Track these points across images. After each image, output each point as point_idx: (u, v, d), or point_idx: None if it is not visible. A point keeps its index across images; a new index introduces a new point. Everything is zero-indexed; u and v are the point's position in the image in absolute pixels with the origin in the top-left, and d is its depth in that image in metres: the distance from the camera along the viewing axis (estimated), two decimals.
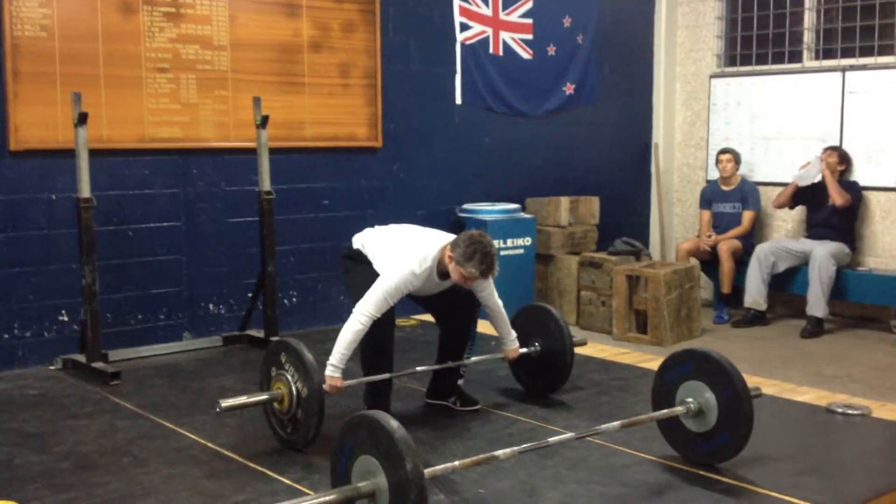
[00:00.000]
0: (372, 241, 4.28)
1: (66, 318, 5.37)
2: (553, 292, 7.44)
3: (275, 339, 4.49)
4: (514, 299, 6.89)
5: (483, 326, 4.74)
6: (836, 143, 7.27)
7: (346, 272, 4.39)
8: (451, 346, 4.42)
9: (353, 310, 3.93)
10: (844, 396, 4.75)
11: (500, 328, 4.40)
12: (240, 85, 5.88)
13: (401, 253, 4.03)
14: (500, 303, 4.33)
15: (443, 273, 4.02)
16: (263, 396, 3.91)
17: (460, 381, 4.48)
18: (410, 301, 4.26)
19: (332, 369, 3.87)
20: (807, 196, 7.26)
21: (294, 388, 3.80)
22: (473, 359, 4.51)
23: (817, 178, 7.10)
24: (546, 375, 4.58)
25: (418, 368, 4.42)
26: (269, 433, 4.04)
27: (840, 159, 7.11)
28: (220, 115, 5.85)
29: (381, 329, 3.99)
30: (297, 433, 3.83)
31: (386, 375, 4.15)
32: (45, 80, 5.19)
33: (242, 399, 3.88)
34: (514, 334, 4.44)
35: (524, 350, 4.53)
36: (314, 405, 3.73)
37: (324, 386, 3.78)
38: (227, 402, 3.75)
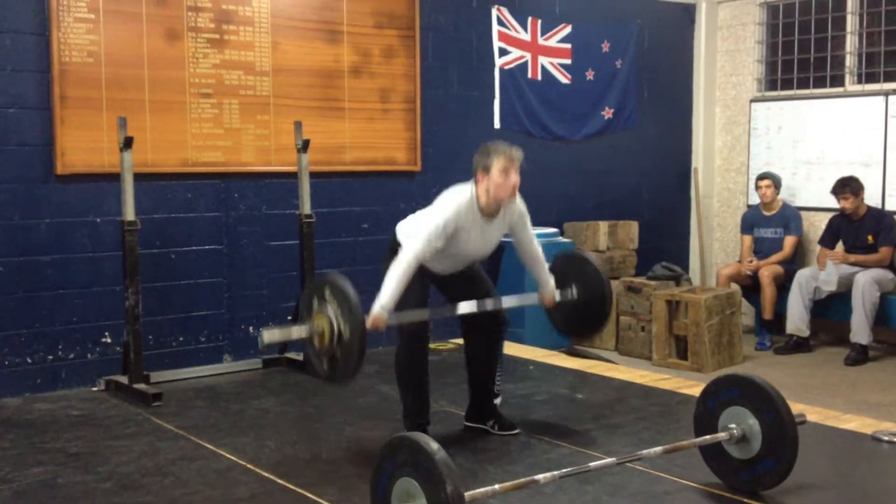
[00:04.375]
0: (411, 219, 4.24)
1: (109, 340, 5.43)
2: None
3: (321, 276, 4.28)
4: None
5: (510, 349, 4.71)
6: (853, 176, 7.14)
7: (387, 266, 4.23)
8: (480, 369, 4.40)
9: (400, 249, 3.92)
10: (890, 424, 4.65)
11: (539, 273, 4.34)
12: (281, 110, 5.95)
13: (441, 203, 4.02)
14: (539, 248, 4.31)
15: (484, 209, 3.99)
16: (304, 333, 3.80)
17: (497, 401, 4.45)
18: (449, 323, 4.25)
19: (380, 308, 3.77)
20: (843, 237, 7.17)
21: (335, 325, 3.68)
22: (511, 301, 4.40)
23: (837, 276, 6.98)
24: (582, 321, 4.51)
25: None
26: (309, 455, 4.05)
27: (853, 193, 6.99)
28: (262, 140, 5.92)
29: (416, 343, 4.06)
30: (334, 371, 3.76)
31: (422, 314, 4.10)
32: (91, 105, 5.29)
33: (284, 333, 3.83)
34: (552, 281, 4.36)
35: (562, 296, 4.41)
36: (354, 345, 3.64)
37: (367, 323, 3.68)
38: (268, 337, 3.71)
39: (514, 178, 3.95)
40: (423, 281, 4.14)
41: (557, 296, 4.40)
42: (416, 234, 3.94)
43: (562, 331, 4.66)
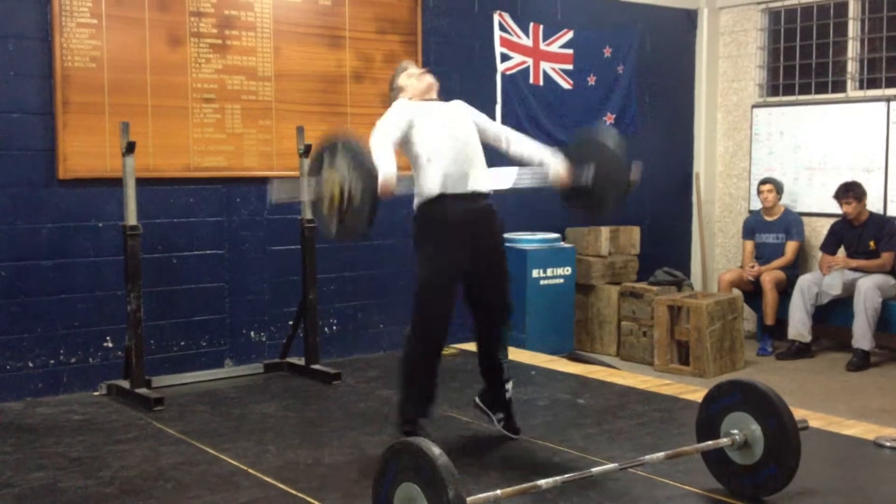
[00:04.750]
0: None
1: (110, 345, 5.44)
2: (593, 322, 7.40)
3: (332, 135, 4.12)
4: (554, 329, 6.91)
5: (511, 354, 4.62)
6: (855, 181, 7.14)
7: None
8: (486, 342, 4.34)
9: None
10: (892, 430, 4.64)
11: (534, 154, 4.30)
12: (283, 115, 5.96)
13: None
14: (516, 134, 4.34)
15: (418, 97, 4.23)
16: (314, 193, 3.77)
17: (509, 394, 4.36)
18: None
19: (384, 175, 3.69)
20: (846, 242, 7.18)
21: (347, 185, 3.64)
22: (522, 181, 4.28)
23: (842, 280, 6.97)
24: (599, 198, 4.31)
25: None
26: (311, 459, 4.05)
27: (856, 198, 7.00)
28: (264, 145, 5.92)
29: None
30: (342, 233, 3.74)
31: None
32: (93, 110, 5.29)
33: (294, 193, 3.77)
34: (546, 151, 4.30)
35: (576, 178, 4.26)
36: (365, 210, 3.61)
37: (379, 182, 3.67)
38: (277, 196, 3.66)
39: (428, 77, 4.28)
40: (454, 273, 4.10)
41: (568, 173, 4.24)
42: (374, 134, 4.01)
43: (576, 211, 4.48)
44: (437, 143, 4.08)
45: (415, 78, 4.30)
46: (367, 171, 3.63)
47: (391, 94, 4.34)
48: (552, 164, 4.25)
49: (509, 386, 4.38)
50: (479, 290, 4.24)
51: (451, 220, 4.05)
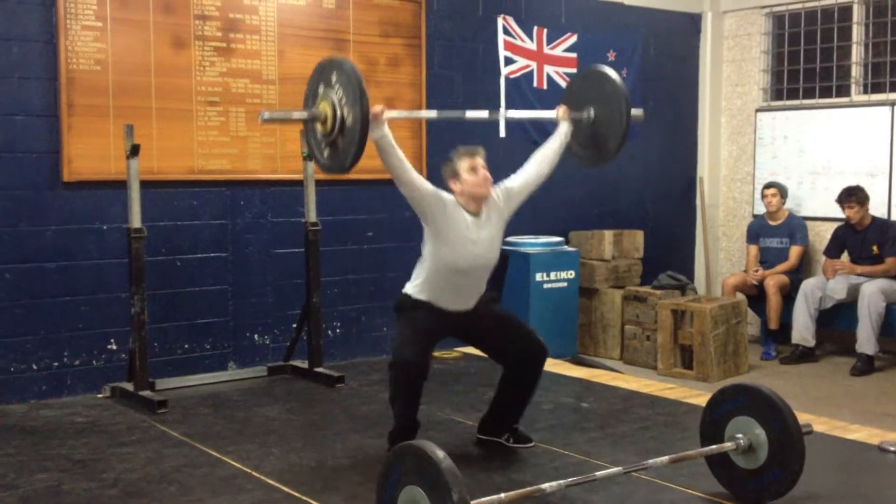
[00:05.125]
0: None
1: (114, 347, 5.44)
2: (596, 326, 7.39)
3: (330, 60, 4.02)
4: (557, 332, 6.90)
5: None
6: (859, 186, 7.11)
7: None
8: (516, 394, 4.25)
9: None
10: None
11: (549, 142, 4.38)
12: None
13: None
14: (534, 156, 4.33)
15: (467, 208, 4.02)
16: (305, 115, 3.77)
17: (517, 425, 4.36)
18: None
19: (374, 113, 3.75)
20: (849, 247, 7.17)
21: (339, 112, 3.64)
22: (525, 113, 4.43)
23: (847, 283, 6.96)
24: (600, 143, 4.35)
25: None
26: (314, 462, 4.05)
27: (859, 202, 6.99)
28: (268, 148, 5.93)
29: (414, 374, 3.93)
30: (333, 160, 3.73)
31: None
32: (98, 113, 5.30)
33: (284, 113, 3.80)
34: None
35: (577, 115, 4.34)
36: (356, 134, 3.59)
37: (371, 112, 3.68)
38: (269, 114, 3.70)
39: (483, 171, 4.00)
40: (434, 323, 4.06)
41: (569, 118, 4.37)
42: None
43: (580, 157, 4.47)
44: (460, 251, 4.00)
45: (471, 171, 3.99)
46: (360, 94, 3.60)
47: (443, 171, 4.11)
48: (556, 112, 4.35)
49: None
50: (492, 344, 4.23)
51: (431, 314, 4.07)
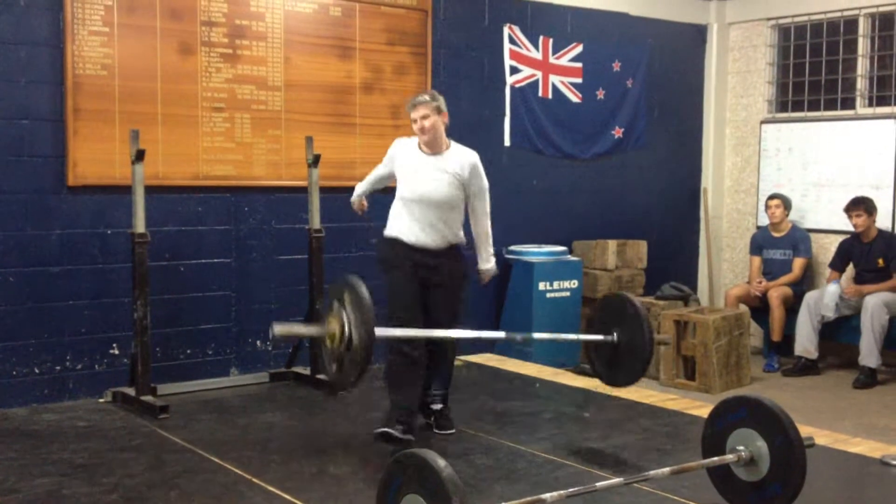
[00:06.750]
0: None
1: (116, 352, 5.44)
2: None
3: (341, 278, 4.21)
4: (560, 342, 6.89)
5: (517, 366, 4.65)
6: (867, 196, 7.13)
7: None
8: (429, 368, 4.61)
9: None
10: None
11: (480, 247, 4.76)
12: (293, 125, 5.97)
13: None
14: (487, 225, 4.69)
15: (422, 147, 4.58)
16: (314, 331, 3.89)
17: (436, 406, 4.66)
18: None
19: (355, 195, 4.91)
20: (854, 259, 7.16)
21: (347, 331, 3.72)
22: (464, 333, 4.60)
23: (836, 301, 6.96)
24: (624, 366, 4.43)
25: None
26: (315, 469, 4.04)
27: (867, 211, 6.99)
28: (273, 154, 5.94)
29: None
30: (340, 375, 3.81)
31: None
32: (104, 118, 5.32)
33: (295, 328, 3.87)
34: (488, 254, 4.72)
35: (600, 337, 4.44)
36: (360, 355, 3.68)
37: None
38: (279, 329, 3.76)
39: (419, 124, 4.49)
40: (413, 282, 4.51)
41: (489, 270, 4.77)
42: None
43: (602, 378, 4.59)
44: (410, 186, 4.57)
45: (413, 121, 4.56)
46: (366, 323, 3.71)
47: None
48: (481, 262, 4.77)
49: (437, 406, 4.68)
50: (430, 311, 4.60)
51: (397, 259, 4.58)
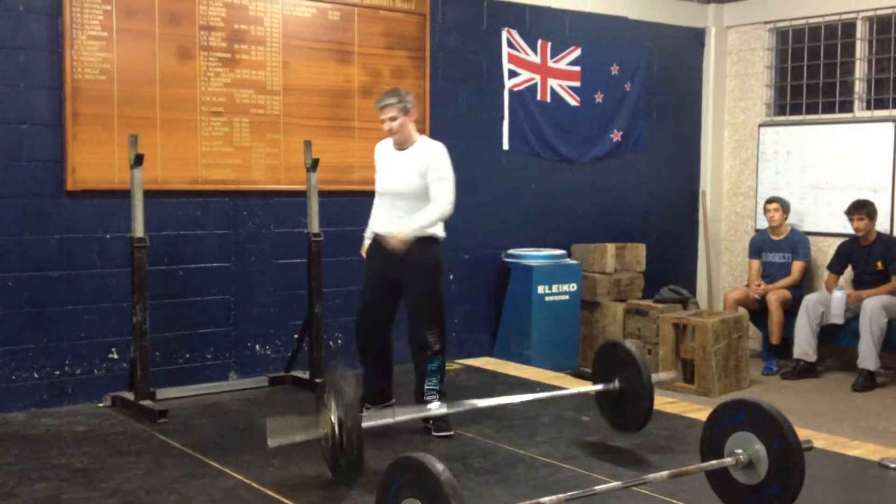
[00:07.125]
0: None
1: (115, 356, 5.44)
2: (598, 339, 7.37)
3: (333, 373, 4.29)
4: (559, 345, 6.90)
5: (516, 370, 4.67)
6: (869, 200, 7.14)
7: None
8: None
9: None
10: None
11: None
12: (291, 129, 5.98)
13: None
14: (431, 206, 4.67)
15: (394, 144, 4.82)
16: (312, 435, 3.91)
17: (431, 406, 4.67)
18: None
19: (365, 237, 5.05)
20: (853, 262, 7.17)
21: (336, 431, 3.78)
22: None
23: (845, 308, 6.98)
24: (630, 411, 4.48)
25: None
26: (313, 473, 4.05)
27: (868, 215, 7.00)
28: (272, 159, 5.94)
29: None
30: (340, 475, 3.85)
31: None
32: (103, 122, 5.32)
33: (291, 437, 3.90)
34: (409, 223, 4.66)
35: (601, 387, 4.49)
36: (353, 452, 3.73)
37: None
38: (274, 443, 3.80)
39: (386, 125, 4.73)
40: (380, 278, 4.84)
41: (393, 234, 4.69)
42: None
43: (614, 425, 4.61)
44: (382, 178, 4.87)
45: (382, 122, 4.80)
46: (353, 425, 3.72)
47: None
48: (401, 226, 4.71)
49: (433, 406, 4.69)
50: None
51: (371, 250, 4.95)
